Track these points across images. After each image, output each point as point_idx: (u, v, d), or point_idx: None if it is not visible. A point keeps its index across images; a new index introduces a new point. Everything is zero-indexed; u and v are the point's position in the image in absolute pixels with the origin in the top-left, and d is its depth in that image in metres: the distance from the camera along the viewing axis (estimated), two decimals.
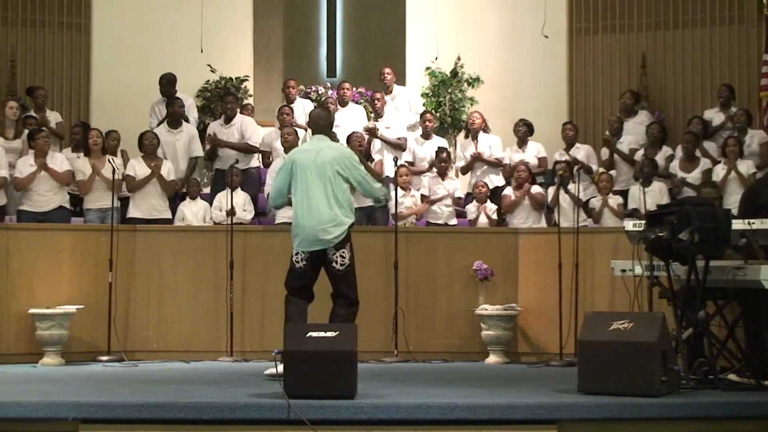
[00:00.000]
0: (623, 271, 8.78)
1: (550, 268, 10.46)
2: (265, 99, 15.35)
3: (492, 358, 10.53)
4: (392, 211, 11.44)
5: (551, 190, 11.77)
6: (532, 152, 13.05)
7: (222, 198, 11.84)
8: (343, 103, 13.59)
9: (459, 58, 15.78)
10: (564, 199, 11.55)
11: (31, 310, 10.14)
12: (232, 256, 10.59)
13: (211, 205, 11.99)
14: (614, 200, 11.91)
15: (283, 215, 11.01)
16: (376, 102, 13.41)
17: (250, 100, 15.51)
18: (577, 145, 13.02)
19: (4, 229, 10.52)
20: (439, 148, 12.76)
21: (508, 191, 12.20)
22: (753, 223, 8.04)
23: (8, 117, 12.28)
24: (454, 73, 15.75)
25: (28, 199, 11.51)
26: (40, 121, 12.78)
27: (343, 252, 8.60)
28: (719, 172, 11.78)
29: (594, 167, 12.82)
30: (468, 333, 10.74)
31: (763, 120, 13.06)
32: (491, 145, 13.17)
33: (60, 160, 11.68)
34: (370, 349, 10.00)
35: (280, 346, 7.42)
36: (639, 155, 12.48)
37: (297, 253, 8.66)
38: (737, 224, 8.01)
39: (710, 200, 9.64)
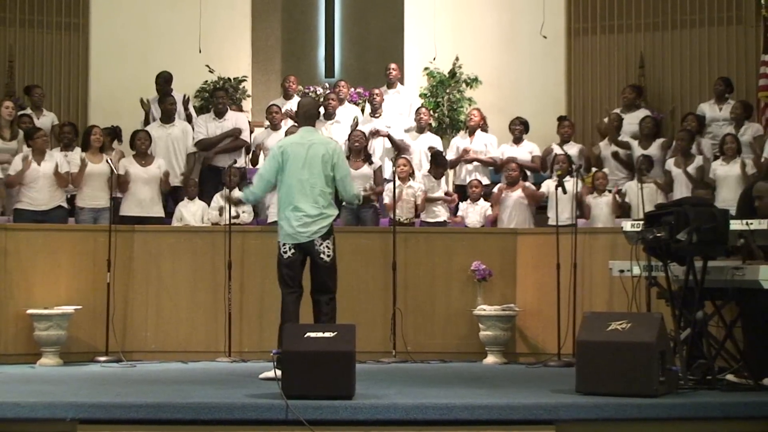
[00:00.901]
0: (621, 271, 8.79)
1: (549, 268, 10.46)
2: (263, 99, 15.32)
3: (490, 359, 10.53)
4: (385, 201, 11.72)
5: (546, 185, 11.91)
6: (527, 149, 13.08)
7: (219, 198, 11.83)
8: (341, 101, 13.58)
9: (457, 59, 15.77)
10: (560, 196, 11.45)
11: (30, 311, 10.14)
12: (231, 257, 10.59)
13: (209, 205, 11.97)
14: (608, 199, 11.89)
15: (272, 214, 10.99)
16: (375, 97, 13.42)
17: (249, 100, 15.52)
18: (572, 142, 13.04)
19: (3, 229, 10.52)
20: (435, 152, 12.72)
21: (497, 189, 12.24)
22: (751, 224, 8.05)
23: (4, 117, 12.26)
24: (453, 73, 15.74)
25: (27, 197, 11.45)
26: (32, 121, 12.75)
27: (329, 243, 8.70)
28: (716, 168, 11.77)
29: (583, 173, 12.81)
30: (466, 333, 10.74)
31: (761, 120, 13.07)
32: (487, 143, 13.19)
33: (58, 159, 11.64)
34: (368, 350, 10.01)
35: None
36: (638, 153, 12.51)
37: (284, 245, 8.73)
38: (735, 224, 8.02)
39: (708, 200, 9.65)
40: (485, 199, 12.31)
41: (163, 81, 13.31)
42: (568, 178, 11.23)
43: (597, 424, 6.96)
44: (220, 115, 12.96)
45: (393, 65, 14.21)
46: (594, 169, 12.68)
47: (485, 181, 12.89)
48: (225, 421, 6.84)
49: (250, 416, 6.86)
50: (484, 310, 10.57)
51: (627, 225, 8.84)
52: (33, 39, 15.18)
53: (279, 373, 7.28)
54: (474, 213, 12.15)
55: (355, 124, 12.89)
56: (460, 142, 13.40)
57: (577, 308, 10.15)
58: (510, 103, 14.98)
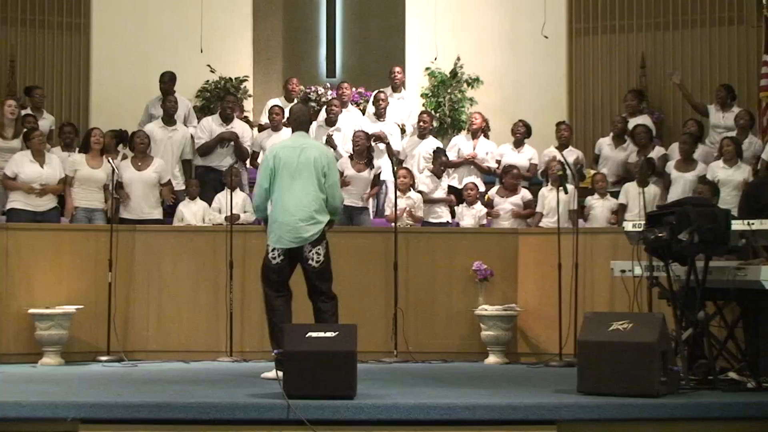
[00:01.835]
0: (623, 271, 8.78)
1: (550, 268, 10.45)
2: (264, 99, 15.31)
3: (491, 359, 10.53)
4: (386, 213, 11.80)
5: (545, 192, 11.97)
6: (527, 155, 13.09)
7: (221, 198, 11.82)
8: (343, 104, 13.56)
9: (458, 59, 15.78)
10: (558, 199, 11.42)
11: (31, 310, 10.14)
12: (232, 256, 10.59)
13: (210, 205, 11.97)
14: (609, 202, 11.87)
15: None
16: (380, 102, 13.40)
17: (250, 101, 15.52)
18: (571, 147, 13.05)
19: (4, 228, 10.52)
20: (437, 148, 12.73)
21: (494, 193, 12.25)
22: (753, 224, 8.04)
23: (6, 116, 12.23)
24: (454, 73, 15.75)
25: (24, 197, 11.36)
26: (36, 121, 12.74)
27: (319, 249, 8.61)
28: (715, 170, 11.72)
29: (585, 174, 12.80)
30: (467, 333, 10.74)
31: (762, 121, 13.04)
32: (488, 151, 13.20)
33: (57, 164, 11.56)
34: (370, 350, 9.98)
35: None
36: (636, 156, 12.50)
37: (273, 249, 8.64)
38: (737, 225, 8.02)
39: (709, 201, 9.64)
40: (481, 203, 12.30)
41: (168, 79, 13.30)
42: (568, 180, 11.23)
43: (598, 424, 6.96)
44: (227, 120, 12.88)
45: (398, 69, 14.20)
46: (593, 171, 12.67)
47: (480, 185, 12.87)
48: (226, 420, 6.84)
49: (251, 416, 6.86)
50: (486, 310, 10.57)
51: (628, 225, 8.84)
52: (35, 39, 15.18)
53: (280, 373, 7.29)
54: (469, 216, 12.13)
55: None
56: (461, 143, 13.39)
57: (579, 308, 10.13)
58: (511, 103, 15.00)
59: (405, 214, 11.67)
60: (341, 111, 13.36)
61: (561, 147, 12.92)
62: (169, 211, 12.03)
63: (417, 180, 12.43)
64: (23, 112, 12.76)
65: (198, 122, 13.40)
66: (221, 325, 10.57)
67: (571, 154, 12.79)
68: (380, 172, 12.44)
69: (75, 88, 15.34)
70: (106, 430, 6.80)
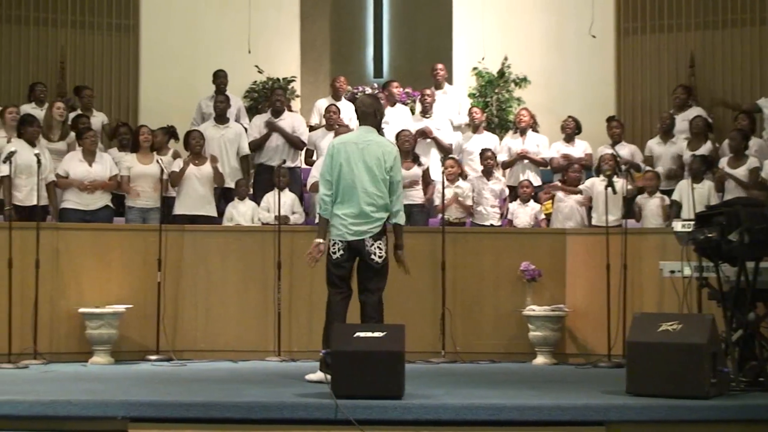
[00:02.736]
0: (672, 272, 8.74)
1: (598, 268, 10.42)
2: (312, 99, 15.35)
3: (539, 359, 10.50)
4: (435, 203, 11.75)
5: (592, 182, 11.93)
6: (581, 148, 13.02)
7: (270, 198, 11.86)
8: (392, 103, 13.58)
9: (506, 59, 15.75)
10: (609, 197, 11.38)
11: (81, 310, 10.23)
12: (280, 256, 10.62)
13: (258, 204, 12.03)
14: (659, 200, 11.81)
15: None
16: (426, 98, 13.41)
17: (298, 101, 15.56)
18: (623, 142, 12.98)
19: (54, 228, 10.62)
20: (483, 149, 12.71)
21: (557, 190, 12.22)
22: None
23: (55, 118, 12.33)
24: (501, 73, 15.72)
25: (75, 197, 11.50)
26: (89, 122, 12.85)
27: (381, 244, 8.37)
28: None
29: (641, 165, 12.75)
30: (515, 334, 10.72)
31: None
32: (538, 144, 13.15)
33: (108, 162, 11.70)
34: (418, 350, 9.96)
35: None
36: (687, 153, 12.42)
37: (334, 244, 8.41)
38: None
39: (761, 201, 9.57)
40: (535, 200, 12.28)
41: (223, 77, 13.47)
42: (616, 178, 11.16)
43: (647, 426, 6.92)
44: (277, 114, 12.94)
45: (440, 66, 14.19)
46: (647, 168, 12.58)
47: (537, 181, 12.85)
48: (275, 420, 6.86)
49: (299, 416, 6.87)
50: (534, 310, 10.55)
51: (678, 225, 8.79)
52: (84, 40, 15.30)
53: (322, 375, 7.29)
54: (524, 214, 12.11)
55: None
56: (510, 143, 13.35)
57: (627, 309, 10.09)
58: (559, 103, 14.93)
59: (454, 204, 11.68)
60: (388, 105, 13.36)
61: (613, 143, 12.86)
62: (222, 210, 12.11)
63: (469, 177, 12.41)
64: (76, 113, 12.89)
65: (249, 120, 13.54)
66: (269, 325, 10.61)
67: (623, 149, 12.75)
68: (427, 168, 12.41)
69: (124, 88, 15.44)
70: (155, 429, 6.84)
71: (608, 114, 13.87)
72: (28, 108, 12.72)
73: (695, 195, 11.14)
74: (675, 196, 11.73)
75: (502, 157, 13.14)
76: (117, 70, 15.42)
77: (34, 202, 10.87)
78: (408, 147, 12.12)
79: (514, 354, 10.65)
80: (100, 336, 10.15)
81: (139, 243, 10.66)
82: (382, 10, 16.68)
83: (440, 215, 11.38)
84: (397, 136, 12.24)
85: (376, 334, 7.34)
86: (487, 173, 12.40)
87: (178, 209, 11.74)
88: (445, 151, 12.89)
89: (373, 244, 8.35)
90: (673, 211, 11.59)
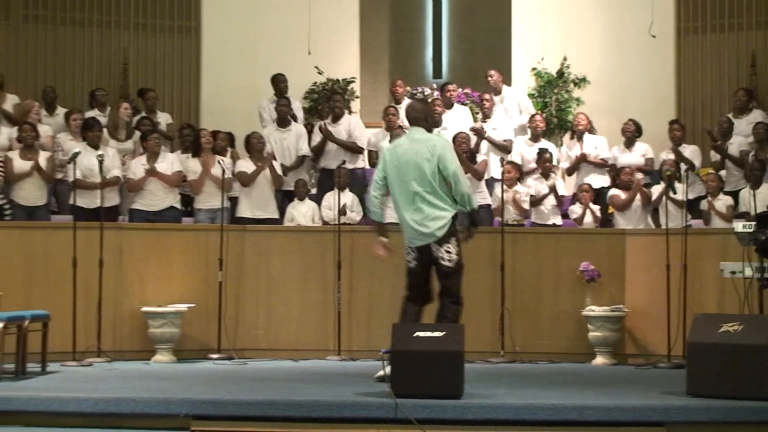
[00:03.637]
0: (733, 272, 8.70)
1: (658, 269, 10.35)
2: (371, 100, 15.42)
3: (599, 360, 10.47)
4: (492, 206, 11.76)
5: (656, 189, 11.79)
6: (639, 152, 12.94)
7: (330, 198, 11.94)
8: (449, 105, 13.59)
9: (565, 59, 15.69)
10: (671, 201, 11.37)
11: (144, 309, 10.33)
12: (340, 256, 10.67)
13: (319, 205, 12.10)
14: (723, 201, 11.74)
15: (391, 215, 10.92)
16: (485, 103, 13.41)
17: (357, 102, 15.61)
18: (684, 144, 12.89)
19: (117, 228, 10.74)
20: (540, 149, 12.67)
21: (616, 191, 12.13)
22: None
23: (122, 118, 12.52)
24: (560, 73, 15.67)
25: (141, 198, 11.73)
26: (152, 124, 12.99)
27: (449, 247, 8.16)
28: None
29: (697, 164, 12.64)
30: (574, 334, 10.68)
31: None
32: (597, 146, 13.09)
33: (171, 160, 11.87)
34: (477, 350, 9.94)
35: (387, 345, 7.46)
36: (751, 156, 12.30)
37: (408, 253, 8.28)
38: None
39: None
40: (594, 203, 12.24)
41: (283, 80, 13.52)
42: (677, 182, 11.11)
43: (708, 427, 6.89)
44: (336, 119, 13.03)
45: (491, 71, 14.01)
46: (709, 170, 12.50)
47: (600, 183, 12.79)
48: (335, 419, 6.91)
49: (359, 414, 6.91)
50: (593, 310, 10.51)
51: (739, 226, 8.74)
52: (146, 42, 15.47)
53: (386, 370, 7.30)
54: (585, 216, 12.08)
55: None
56: (570, 147, 13.31)
57: (687, 310, 10.01)
58: (619, 103, 14.87)
59: (512, 204, 11.69)
60: (444, 111, 13.40)
61: (675, 145, 12.77)
62: (283, 210, 12.21)
63: (525, 182, 12.39)
64: (140, 116, 13.05)
65: (305, 116, 13.69)
66: (329, 325, 10.65)
67: (685, 150, 12.67)
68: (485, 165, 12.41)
69: (186, 89, 15.59)
70: (217, 427, 6.91)
71: (668, 114, 13.82)
72: (92, 113, 12.90)
73: (756, 200, 11.05)
74: (741, 207, 11.64)
75: (565, 164, 13.15)
76: (179, 72, 15.58)
77: (98, 204, 11.01)
78: (465, 148, 12.12)
79: (573, 354, 10.62)
80: (163, 335, 10.25)
81: (201, 243, 10.75)
82: (441, 10, 16.67)
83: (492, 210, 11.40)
84: (455, 138, 12.25)
85: (436, 334, 7.35)
86: (545, 174, 12.37)
87: (241, 212, 11.91)
88: (504, 150, 12.85)
89: (440, 249, 8.17)
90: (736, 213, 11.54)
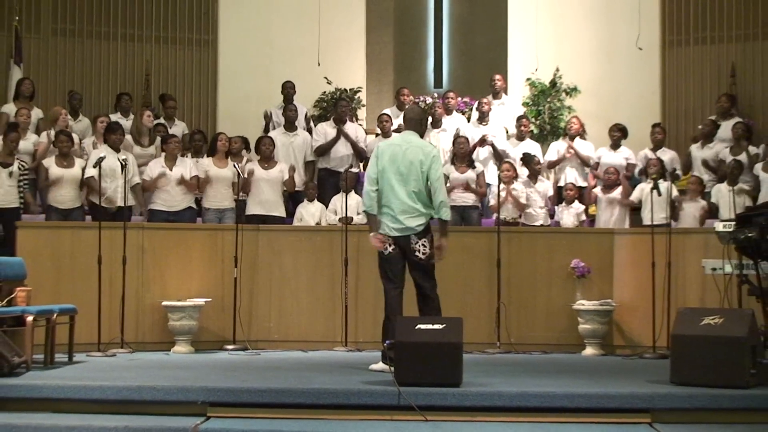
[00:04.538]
0: (714, 269, 8.69)
1: (644, 266, 10.35)
2: (377, 108, 15.40)
3: (589, 351, 10.46)
4: (491, 203, 11.82)
5: (640, 188, 11.87)
6: (624, 155, 12.95)
7: (337, 202, 11.94)
8: (448, 111, 13.60)
9: (557, 69, 15.70)
10: (654, 199, 11.31)
11: (164, 303, 10.33)
12: (347, 254, 10.67)
13: (326, 206, 12.11)
14: (699, 205, 11.72)
15: None
16: (483, 106, 13.41)
17: (363, 110, 15.62)
18: (664, 148, 12.90)
19: (140, 228, 10.73)
20: (528, 155, 12.65)
21: (597, 191, 12.20)
22: None
23: (145, 125, 12.53)
24: (553, 83, 15.68)
25: (161, 199, 11.72)
26: (166, 130, 13.01)
27: (425, 242, 8.34)
28: None
29: (679, 174, 12.64)
30: (566, 327, 10.68)
31: None
32: (585, 149, 13.12)
33: (188, 165, 11.86)
34: (475, 341, 10.00)
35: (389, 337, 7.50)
36: (729, 156, 12.31)
37: (383, 241, 8.42)
38: None
39: None
40: (579, 201, 12.25)
41: (291, 87, 13.55)
42: (661, 181, 11.11)
43: (690, 413, 6.90)
44: (341, 123, 13.04)
45: (498, 76, 14.20)
46: (693, 173, 12.49)
47: (581, 182, 12.82)
48: (342, 405, 6.92)
49: (365, 401, 6.92)
50: (583, 305, 10.50)
51: (719, 225, 8.73)
52: (167, 54, 15.51)
53: (385, 365, 7.32)
54: (569, 215, 12.12)
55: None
56: (559, 146, 13.34)
57: (671, 304, 10.02)
58: (607, 111, 14.86)
59: (509, 200, 11.69)
60: (444, 114, 13.44)
61: (655, 148, 12.79)
62: (291, 210, 12.20)
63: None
64: (156, 122, 13.06)
65: (312, 123, 13.70)
66: (337, 318, 10.65)
67: (665, 154, 12.67)
68: (482, 171, 12.39)
69: (204, 98, 15.62)
70: (232, 413, 6.91)
71: (654, 121, 13.78)
72: (115, 118, 12.90)
73: (732, 198, 11.06)
74: (713, 199, 11.69)
75: (549, 156, 13.19)
76: (197, 82, 15.61)
77: (119, 203, 11.00)
78: (464, 151, 12.13)
79: (565, 345, 10.62)
80: (182, 327, 10.25)
81: (218, 241, 10.75)
82: (443, 24, 16.68)
83: (495, 215, 11.37)
84: (454, 141, 12.25)
85: (437, 327, 7.37)
86: (533, 177, 12.37)
87: (250, 210, 11.90)
88: (500, 157, 12.86)
89: (417, 242, 8.35)
90: (707, 215, 11.54)
